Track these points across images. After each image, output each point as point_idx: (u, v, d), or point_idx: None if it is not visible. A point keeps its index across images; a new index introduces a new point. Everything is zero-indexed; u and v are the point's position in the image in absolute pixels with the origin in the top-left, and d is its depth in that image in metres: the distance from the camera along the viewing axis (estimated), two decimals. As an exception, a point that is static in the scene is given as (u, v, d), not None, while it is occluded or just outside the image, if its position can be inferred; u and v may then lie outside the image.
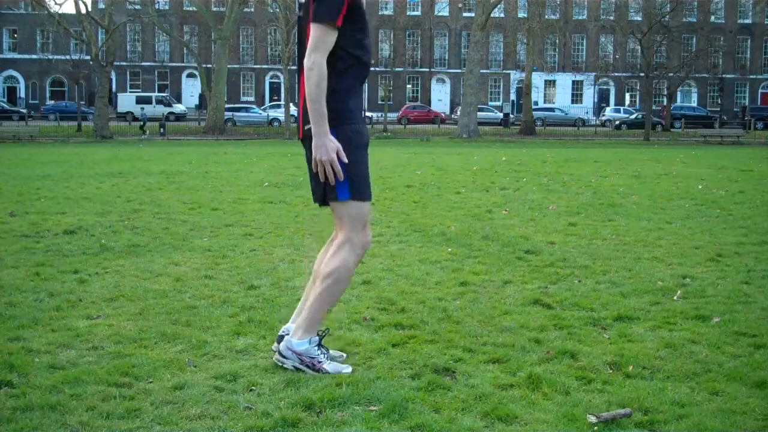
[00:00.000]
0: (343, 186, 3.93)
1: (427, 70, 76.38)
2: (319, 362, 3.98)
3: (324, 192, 3.99)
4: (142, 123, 49.24)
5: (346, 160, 3.88)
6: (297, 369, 3.99)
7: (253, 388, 3.73)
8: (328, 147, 3.84)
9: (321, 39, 3.81)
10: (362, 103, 4.15)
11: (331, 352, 4.15)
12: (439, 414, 3.42)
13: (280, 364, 4.03)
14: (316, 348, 4.00)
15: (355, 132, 3.97)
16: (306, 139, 4.01)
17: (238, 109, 60.96)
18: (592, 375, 3.93)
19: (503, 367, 4.07)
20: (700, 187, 13.91)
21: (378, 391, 3.64)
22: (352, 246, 4.02)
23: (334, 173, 3.88)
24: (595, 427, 3.26)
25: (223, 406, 3.49)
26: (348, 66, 3.96)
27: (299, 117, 4.08)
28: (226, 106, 52.69)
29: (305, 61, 3.84)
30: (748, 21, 75.08)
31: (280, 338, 4.18)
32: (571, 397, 3.62)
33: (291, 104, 48.25)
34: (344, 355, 4.23)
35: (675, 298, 5.58)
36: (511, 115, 64.66)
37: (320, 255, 4.28)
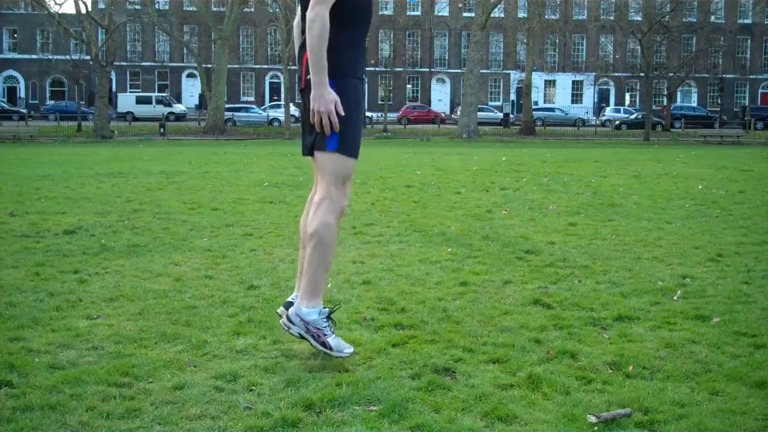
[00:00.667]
0: (332, 137, 3.98)
1: (427, 70, 76.40)
2: (325, 335, 4.01)
3: (314, 141, 4.05)
4: None
5: (343, 113, 3.94)
6: (302, 336, 4.03)
7: (253, 388, 3.73)
8: (327, 98, 3.90)
9: None
10: (364, 58, 4.19)
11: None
12: (439, 414, 3.42)
13: (286, 329, 4.09)
14: (324, 320, 4.04)
15: (353, 86, 4.03)
16: (306, 89, 4.05)
17: (238, 109, 60.96)
18: (592, 375, 3.93)
19: (503, 367, 4.07)
20: (700, 187, 13.91)
21: (378, 391, 3.64)
22: (331, 202, 4.04)
23: (330, 125, 3.93)
24: (595, 427, 3.26)
25: (223, 406, 3.49)
26: (351, 19, 4.01)
27: (302, 68, 4.10)
28: (226, 106, 52.70)
29: (308, 12, 3.89)
30: (748, 21, 75.11)
31: (288, 304, 4.23)
32: (571, 397, 3.62)
33: (291, 104, 48.26)
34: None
35: (675, 298, 5.58)
36: (511, 115, 64.69)
37: (303, 218, 4.31)
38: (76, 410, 3.41)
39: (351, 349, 4.04)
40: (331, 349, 3.98)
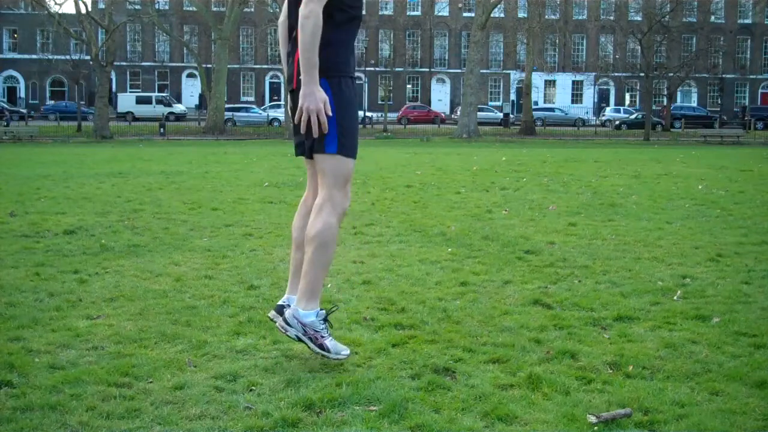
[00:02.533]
0: (331, 139, 3.92)
1: (427, 70, 76.40)
2: (322, 337, 4.00)
3: (312, 143, 3.97)
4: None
5: (330, 114, 3.89)
6: (299, 339, 4.02)
7: (253, 388, 3.73)
8: (317, 96, 3.83)
9: None
10: (354, 57, 4.16)
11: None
12: (439, 414, 3.42)
13: (283, 331, 4.07)
14: (321, 322, 4.03)
15: (347, 86, 4.00)
16: (297, 90, 3.96)
17: (238, 109, 60.94)
18: (592, 375, 3.93)
19: (503, 367, 4.07)
20: (700, 187, 13.92)
21: (378, 391, 3.64)
22: (333, 205, 4.02)
23: (319, 125, 3.86)
24: (595, 427, 3.26)
25: (223, 406, 3.49)
26: (344, 19, 3.99)
27: (293, 68, 4.05)
28: (226, 106, 52.69)
29: (301, 9, 3.84)
30: (748, 21, 75.12)
31: (279, 308, 4.22)
32: (571, 397, 3.62)
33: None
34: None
35: (675, 298, 5.58)
36: (511, 115, 64.69)
37: (296, 220, 4.31)
38: (76, 410, 3.41)
39: (347, 351, 4.04)
40: (328, 351, 3.98)
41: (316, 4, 3.83)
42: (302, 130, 3.91)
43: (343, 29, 3.99)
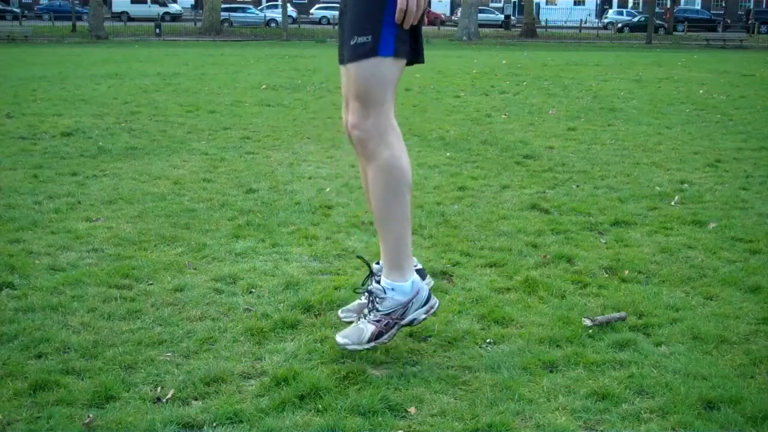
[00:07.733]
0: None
1: (428, -30, 74.84)
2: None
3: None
4: None
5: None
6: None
7: (253, 290, 3.77)
8: None
9: None
10: None
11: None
12: (436, 316, 3.46)
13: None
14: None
15: None
16: None
17: (235, 9, 59.89)
18: (587, 279, 3.97)
19: (500, 270, 4.10)
20: (701, 91, 13.80)
21: (376, 294, 3.66)
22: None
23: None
24: (590, 330, 3.30)
25: (223, 308, 3.53)
26: None
27: None
28: (222, 6, 51.75)
29: None
30: None
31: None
32: (566, 301, 3.66)
33: (288, 5, 47.35)
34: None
35: (672, 203, 5.60)
36: (513, 17, 63.65)
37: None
38: (78, 311, 3.45)
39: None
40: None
41: None
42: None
43: None
